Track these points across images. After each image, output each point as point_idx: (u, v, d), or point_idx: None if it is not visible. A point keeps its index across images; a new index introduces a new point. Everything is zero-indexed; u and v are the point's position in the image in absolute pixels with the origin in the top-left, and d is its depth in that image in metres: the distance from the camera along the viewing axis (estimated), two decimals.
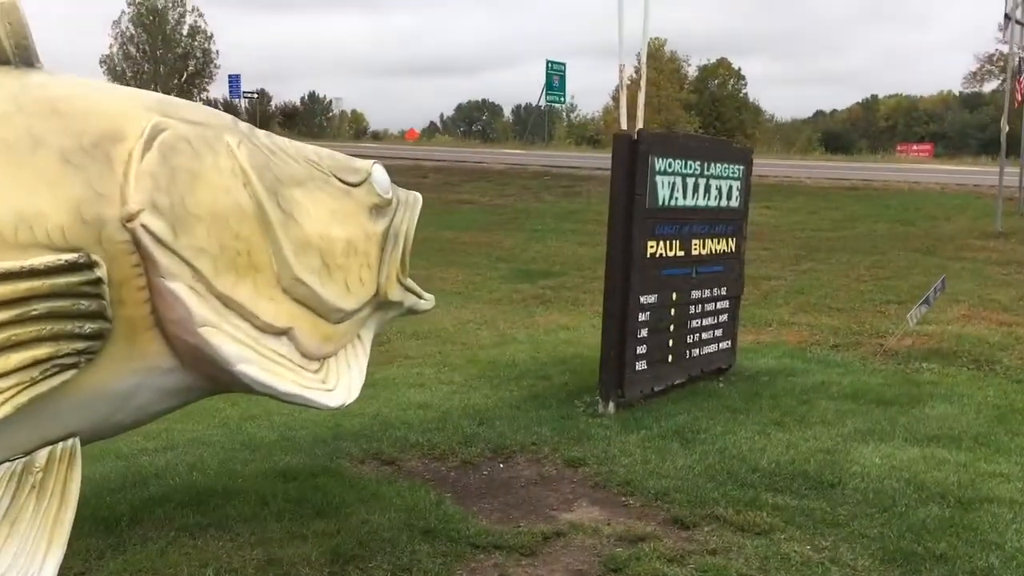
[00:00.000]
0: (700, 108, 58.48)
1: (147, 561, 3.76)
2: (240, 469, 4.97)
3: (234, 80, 47.77)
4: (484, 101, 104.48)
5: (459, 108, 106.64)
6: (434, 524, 4.21)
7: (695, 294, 6.95)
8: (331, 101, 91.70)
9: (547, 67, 36.76)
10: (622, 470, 5.14)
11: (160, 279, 3.09)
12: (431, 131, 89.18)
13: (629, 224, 6.14)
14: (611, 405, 6.22)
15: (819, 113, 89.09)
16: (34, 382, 2.79)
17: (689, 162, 6.65)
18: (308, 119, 79.78)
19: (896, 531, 4.29)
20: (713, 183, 6.98)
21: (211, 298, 3.25)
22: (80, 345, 2.93)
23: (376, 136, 69.60)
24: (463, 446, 5.57)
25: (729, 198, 7.22)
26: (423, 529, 4.16)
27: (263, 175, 3.51)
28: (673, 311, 6.69)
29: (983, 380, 7.73)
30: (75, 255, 2.89)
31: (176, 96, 3.92)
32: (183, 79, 63.37)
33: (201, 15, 63.90)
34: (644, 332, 6.39)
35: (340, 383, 3.70)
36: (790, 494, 4.79)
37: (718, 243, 7.17)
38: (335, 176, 3.86)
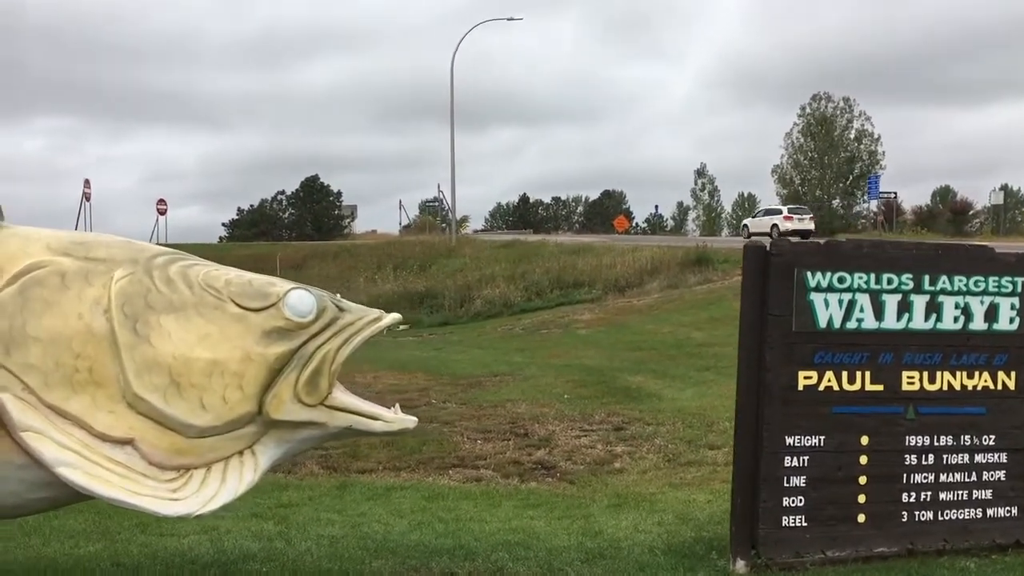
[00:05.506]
0: None
1: None
2: (313, 564, 5.44)
3: (872, 181, 47.40)
4: None
5: None
6: None
7: (915, 440, 5.44)
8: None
9: None
10: None
11: None
12: None
13: (760, 349, 5.21)
14: (740, 563, 5.23)
15: None
16: None
17: (887, 275, 5.34)
18: (996, 216, 74.40)
19: None
20: (948, 301, 5.45)
21: (42, 407, 3.93)
22: None
23: None
24: None
25: (993, 319, 5.53)
26: None
27: (131, 303, 4.05)
28: (864, 459, 5.36)
29: None
30: None
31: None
32: (848, 182, 64.06)
33: (868, 118, 64.28)
34: (800, 481, 5.26)
35: (199, 494, 4.03)
36: None
37: (970, 377, 5.52)
38: (234, 302, 4.25)
